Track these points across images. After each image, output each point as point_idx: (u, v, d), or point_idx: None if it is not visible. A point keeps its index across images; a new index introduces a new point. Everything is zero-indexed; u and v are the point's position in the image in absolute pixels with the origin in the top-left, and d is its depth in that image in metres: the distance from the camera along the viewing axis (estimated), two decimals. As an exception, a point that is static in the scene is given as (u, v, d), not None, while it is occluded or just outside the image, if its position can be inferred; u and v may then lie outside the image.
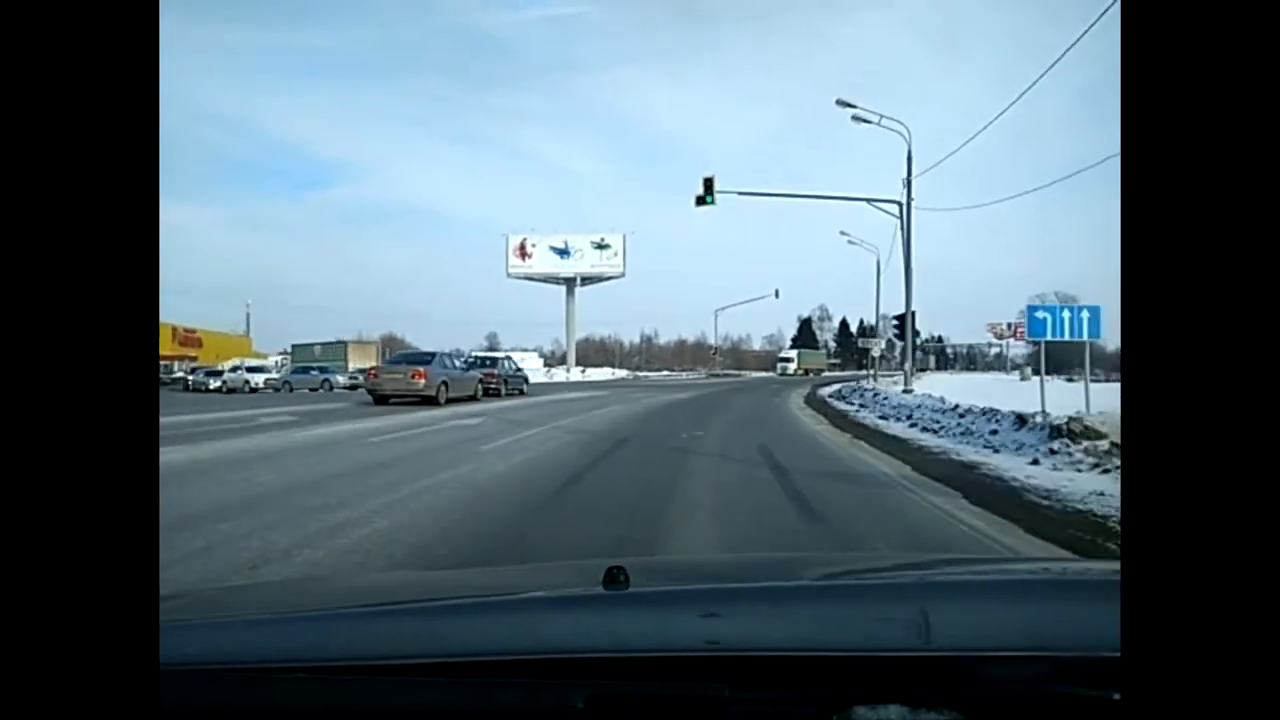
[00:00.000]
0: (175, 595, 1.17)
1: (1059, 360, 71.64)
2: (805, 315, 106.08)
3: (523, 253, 60.80)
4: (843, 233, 34.13)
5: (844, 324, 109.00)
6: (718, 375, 61.75)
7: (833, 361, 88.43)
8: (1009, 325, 73.20)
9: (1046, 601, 1.04)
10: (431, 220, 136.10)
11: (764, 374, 70.09)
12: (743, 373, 72.72)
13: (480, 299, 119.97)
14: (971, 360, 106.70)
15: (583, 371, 49.32)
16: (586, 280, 60.98)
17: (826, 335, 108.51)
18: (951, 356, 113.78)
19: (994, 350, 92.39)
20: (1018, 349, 78.32)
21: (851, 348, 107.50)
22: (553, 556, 3.88)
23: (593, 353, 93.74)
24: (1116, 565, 0.71)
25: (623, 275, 60.51)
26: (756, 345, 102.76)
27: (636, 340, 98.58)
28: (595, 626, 0.95)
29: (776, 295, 58.85)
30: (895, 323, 21.94)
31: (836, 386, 31.25)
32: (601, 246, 60.35)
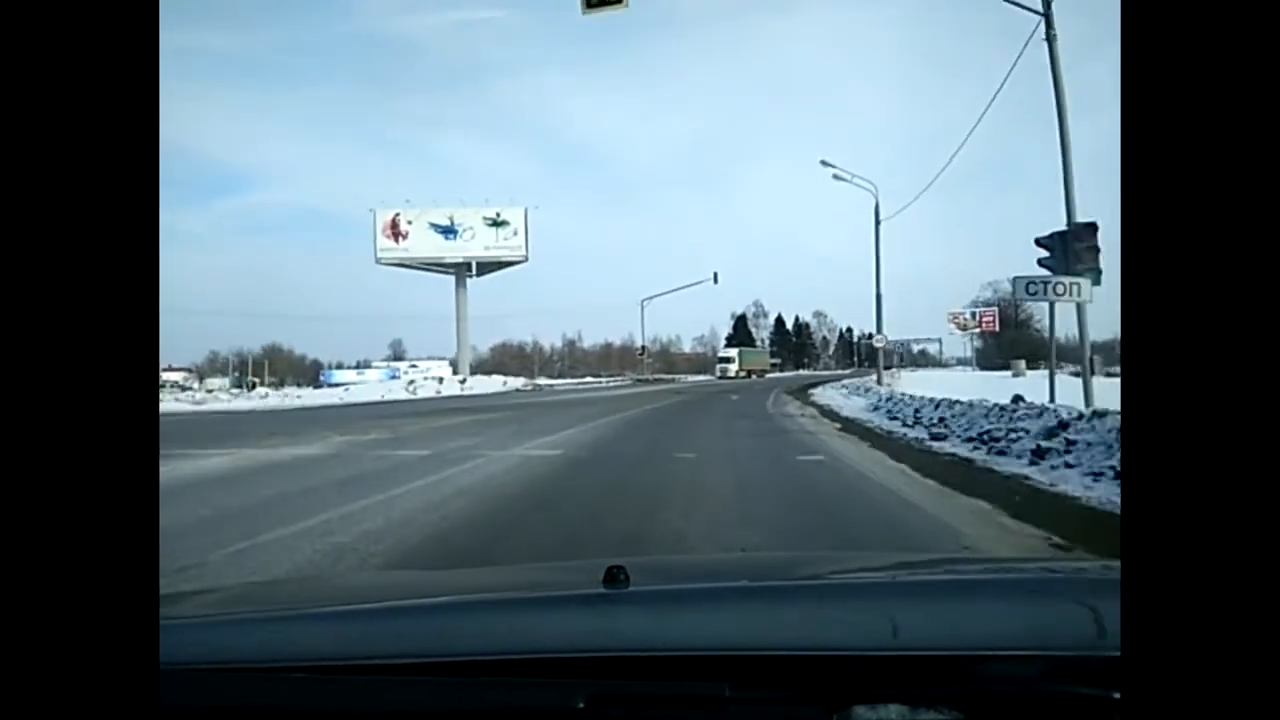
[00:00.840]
0: (175, 595, 1.14)
1: (1013, 354, 63.66)
2: (740, 312, 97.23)
3: (395, 232, 47.39)
4: (825, 163, 23.10)
5: (779, 321, 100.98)
6: (646, 380, 50.23)
7: (774, 361, 78.93)
8: (972, 314, 64.86)
9: (1047, 600, 1.02)
10: (345, 227, 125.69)
11: (700, 378, 60.00)
12: (675, 377, 61.84)
13: (394, 302, 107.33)
14: (899, 358, 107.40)
15: (462, 383, 36.53)
16: (484, 268, 48.19)
17: (763, 333, 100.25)
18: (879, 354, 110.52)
19: (919, 347, 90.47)
20: (951, 346, 75.09)
21: (788, 345, 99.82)
22: None
23: (509, 359, 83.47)
24: (1116, 564, 0.71)
25: (525, 259, 47.79)
26: (687, 347, 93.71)
27: (559, 344, 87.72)
28: (595, 625, 0.94)
29: (715, 280, 48.13)
30: (1048, 244, 9.96)
31: (846, 395, 19.95)
32: (497, 224, 47.46)
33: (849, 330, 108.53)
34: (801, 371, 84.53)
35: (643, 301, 53.71)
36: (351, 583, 2.07)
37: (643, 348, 58.01)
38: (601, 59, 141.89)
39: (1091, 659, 0.72)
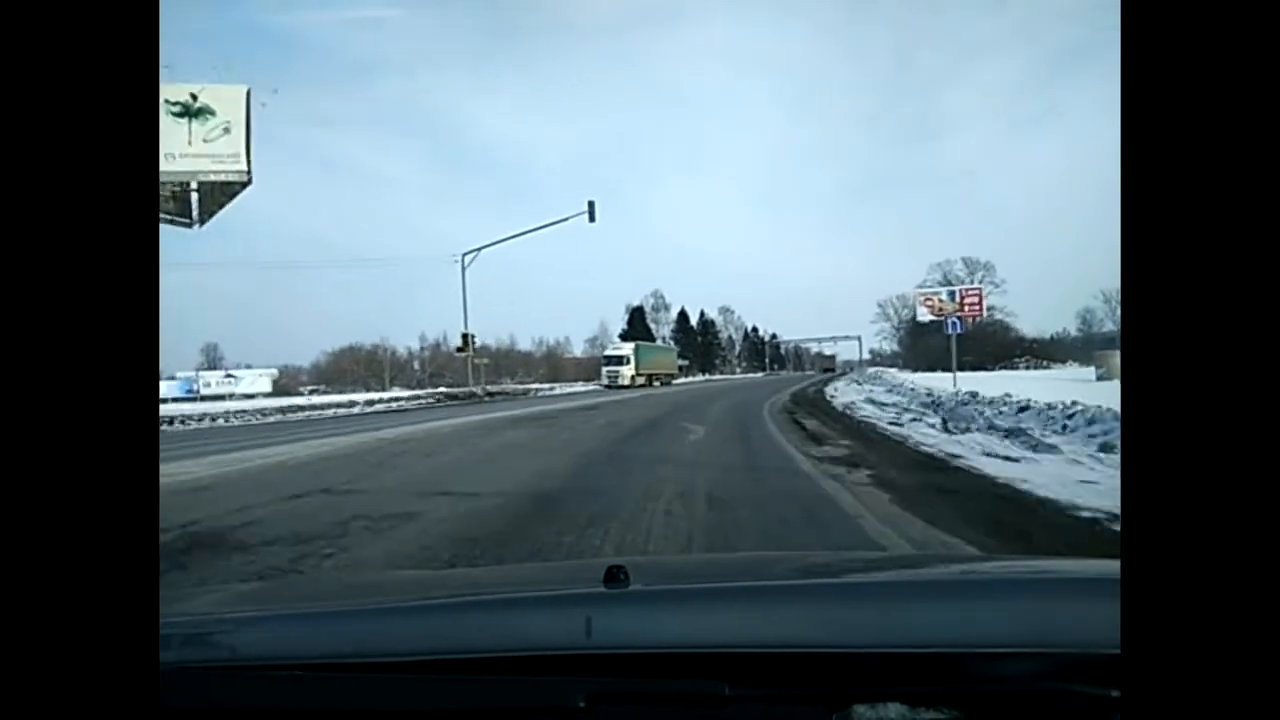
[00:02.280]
0: (176, 595, 1.13)
1: (982, 351, 46.80)
2: (636, 303, 78.03)
3: None
4: None
5: (683, 315, 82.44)
6: (469, 400, 28.53)
7: (681, 363, 60.06)
8: (951, 294, 48.03)
9: (1046, 599, 1.02)
10: (243, 235, 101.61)
11: (585, 387, 40.05)
12: (530, 389, 41.39)
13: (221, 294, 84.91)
14: (799, 360, 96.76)
15: None
16: (204, 213, 25.34)
17: (664, 329, 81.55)
18: (785, 356, 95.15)
19: (815, 349, 76.75)
20: (846, 347, 63.83)
21: (693, 344, 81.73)
22: None
23: (356, 365, 66.10)
24: (1116, 563, 0.71)
25: (247, 180, 25.27)
26: (578, 350, 73.68)
27: (418, 347, 65.74)
28: (596, 624, 0.94)
29: (591, 216, 28.14)
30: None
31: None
32: (192, 113, 24.83)
33: (755, 330, 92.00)
34: (713, 377, 66.20)
35: (464, 255, 31.32)
36: (351, 583, 2.04)
37: (465, 338, 31.79)
38: (500, 62, 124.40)
39: (1091, 657, 0.72)
